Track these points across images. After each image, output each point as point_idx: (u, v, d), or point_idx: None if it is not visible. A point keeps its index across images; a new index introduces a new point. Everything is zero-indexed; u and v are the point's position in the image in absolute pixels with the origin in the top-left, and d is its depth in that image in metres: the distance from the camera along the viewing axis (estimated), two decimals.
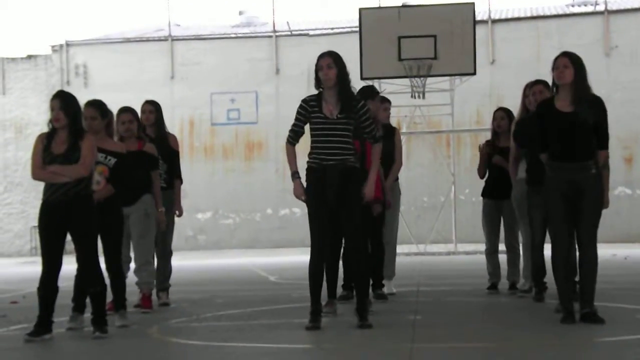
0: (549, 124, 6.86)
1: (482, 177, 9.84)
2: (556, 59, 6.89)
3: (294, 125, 7.10)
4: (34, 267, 12.46)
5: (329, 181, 6.92)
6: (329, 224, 7.02)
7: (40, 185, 6.99)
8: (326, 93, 7.02)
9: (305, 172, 7.07)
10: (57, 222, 6.81)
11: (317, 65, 7.06)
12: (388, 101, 9.59)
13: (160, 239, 9.19)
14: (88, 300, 7.13)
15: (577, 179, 6.75)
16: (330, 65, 6.98)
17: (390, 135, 9.27)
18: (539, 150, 7.04)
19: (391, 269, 9.64)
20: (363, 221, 7.19)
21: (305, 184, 7.07)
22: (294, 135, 7.09)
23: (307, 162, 7.06)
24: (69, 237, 6.89)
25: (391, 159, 9.21)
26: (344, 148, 6.95)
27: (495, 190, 9.59)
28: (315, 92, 7.15)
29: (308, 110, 7.02)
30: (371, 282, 8.84)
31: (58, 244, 6.86)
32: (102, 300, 6.97)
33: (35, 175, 6.88)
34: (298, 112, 7.07)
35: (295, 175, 7.01)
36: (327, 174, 6.92)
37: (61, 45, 27.10)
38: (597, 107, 6.84)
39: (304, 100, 7.11)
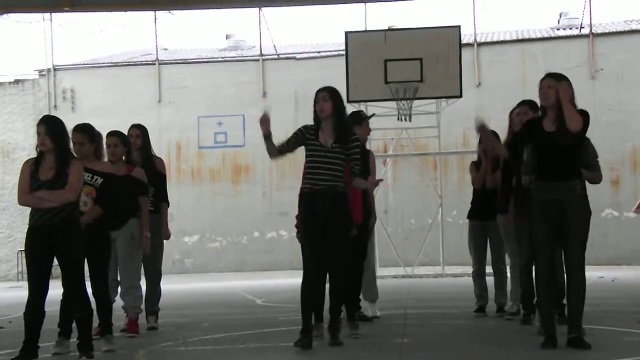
0: (533, 143, 6.88)
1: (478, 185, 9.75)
2: (541, 80, 6.93)
3: (288, 139, 7.46)
4: (21, 292, 12.38)
5: (319, 204, 7.24)
6: (319, 246, 7.26)
7: (27, 210, 6.97)
8: (323, 123, 7.40)
9: (298, 198, 7.45)
10: (43, 247, 6.78)
11: (315, 99, 7.45)
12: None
13: (149, 263, 9.19)
14: (74, 325, 7.09)
15: (561, 199, 6.72)
16: (325, 98, 7.39)
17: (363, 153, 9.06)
18: (523, 172, 7.08)
19: (374, 291, 9.59)
20: (348, 245, 7.38)
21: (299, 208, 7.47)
22: (284, 144, 7.43)
23: (301, 187, 7.43)
24: (55, 261, 6.86)
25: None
26: (335, 175, 7.31)
27: (481, 212, 9.60)
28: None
29: (305, 135, 7.41)
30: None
31: (45, 268, 6.84)
32: (88, 325, 6.93)
33: (22, 200, 6.87)
34: (294, 133, 7.47)
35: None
36: (318, 198, 7.24)
37: (48, 70, 27.02)
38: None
39: (303, 126, 7.51)
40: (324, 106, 7.35)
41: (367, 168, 8.89)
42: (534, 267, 7.08)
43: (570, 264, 6.75)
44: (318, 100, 7.40)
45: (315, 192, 7.27)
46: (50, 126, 6.91)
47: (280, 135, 7.51)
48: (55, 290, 7.14)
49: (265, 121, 7.35)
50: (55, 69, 27.09)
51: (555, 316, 7.01)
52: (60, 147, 6.86)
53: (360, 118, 9.09)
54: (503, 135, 9.20)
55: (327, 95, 7.39)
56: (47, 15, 26.45)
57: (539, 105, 7.08)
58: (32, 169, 6.86)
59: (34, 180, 6.82)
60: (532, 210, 6.89)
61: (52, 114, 7.59)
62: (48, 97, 26.86)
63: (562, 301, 7.66)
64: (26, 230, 6.92)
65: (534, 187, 6.90)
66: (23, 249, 7.07)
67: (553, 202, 6.74)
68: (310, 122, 7.55)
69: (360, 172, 7.44)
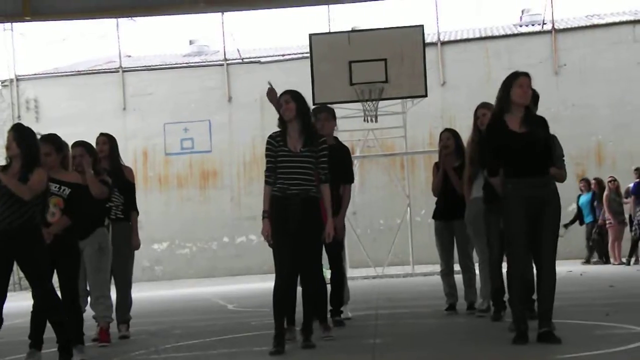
0: (504, 144, 6.87)
1: (436, 194, 9.87)
2: (518, 76, 6.93)
3: (267, 164, 7.43)
4: None
5: (291, 209, 7.24)
6: (290, 250, 7.26)
7: None
8: (289, 127, 7.41)
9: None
10: (1, 254, 6.81)
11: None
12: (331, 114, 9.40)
13: (119, 272, 9.17)
14: (45, 336, 7.07)
15: (540, 195, 6.79)
16: (288, 100, 7.42)
17: (341, 149, 9.10)
18: (490, 172, 7.14)
19: (346, 293, 9.58)
20: (321, 249, 7.40)
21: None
22: (270, 174, 7.40)
23: (272, 191, 7.36)
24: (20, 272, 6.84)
25: (344, 175, 8.97)
26: (306, 179, 7.32)
27: (445, 212, 9.67)
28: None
29: (275, 145, 7.39)
30: (330, 308, 8.86)
31: (3, 275, 6.86)
32: (64, 329, 6.95)
33: None
34: (267, 149, 7.43)
35: (265, 214, 7.30)
36: (290, 203, 7.25)
37: (11, 80, 26.82)
38: (544, 126, 6.94)
39: (270, 137, 7.47)
40: (289, 107, 7.37)
41: (348, 167, 9.02)
42: (505, 264, 7.11)
43: (542, 259, 6.80)
44: (281, 105, 7.44)
45: (287, 197, 7.26)
46: (18, 132, 7.03)
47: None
48: (26, 302, 7.10)
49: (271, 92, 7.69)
50: (17, 79, 26.88)
51: (526, 312, 7.06)
52: (27, 154, 6.92)
53: (325, 108, 9.15)
54: (467, 133, 9.25)
55: (289, 98, 7.44)
56: (7, 25, 26.20)
57: (499, 99, 7.03)
58: None
59: None
60: (508, 207, 6.90)
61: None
62: (11, 107, 26.63)
63: (532, 297, 7.72)
64: None
65: (511, 185, 6.88)
66: None
67: (534, 199, 6.79)
68: (275, 126, 7.57)
69: (328, 178, 7.43)
